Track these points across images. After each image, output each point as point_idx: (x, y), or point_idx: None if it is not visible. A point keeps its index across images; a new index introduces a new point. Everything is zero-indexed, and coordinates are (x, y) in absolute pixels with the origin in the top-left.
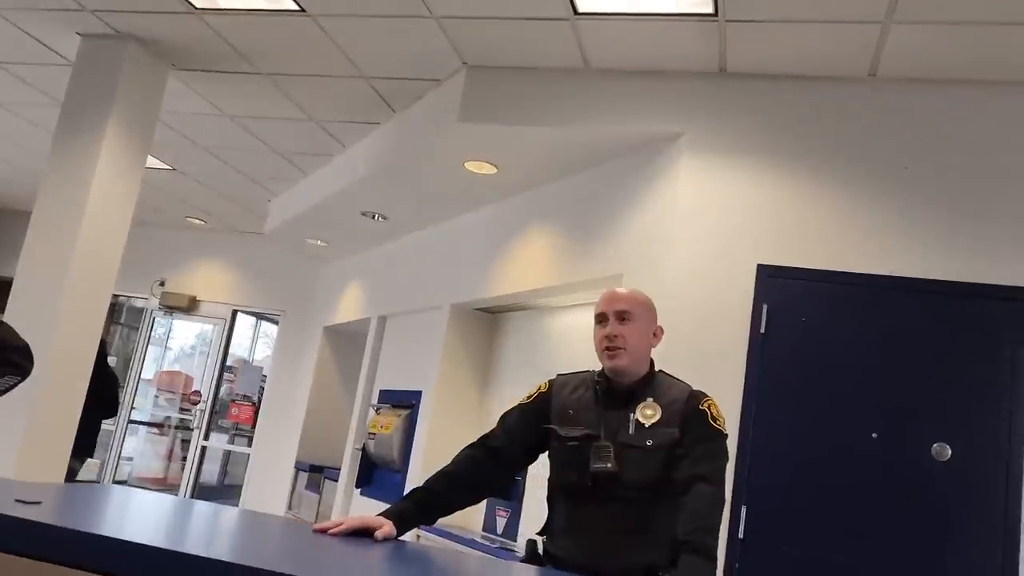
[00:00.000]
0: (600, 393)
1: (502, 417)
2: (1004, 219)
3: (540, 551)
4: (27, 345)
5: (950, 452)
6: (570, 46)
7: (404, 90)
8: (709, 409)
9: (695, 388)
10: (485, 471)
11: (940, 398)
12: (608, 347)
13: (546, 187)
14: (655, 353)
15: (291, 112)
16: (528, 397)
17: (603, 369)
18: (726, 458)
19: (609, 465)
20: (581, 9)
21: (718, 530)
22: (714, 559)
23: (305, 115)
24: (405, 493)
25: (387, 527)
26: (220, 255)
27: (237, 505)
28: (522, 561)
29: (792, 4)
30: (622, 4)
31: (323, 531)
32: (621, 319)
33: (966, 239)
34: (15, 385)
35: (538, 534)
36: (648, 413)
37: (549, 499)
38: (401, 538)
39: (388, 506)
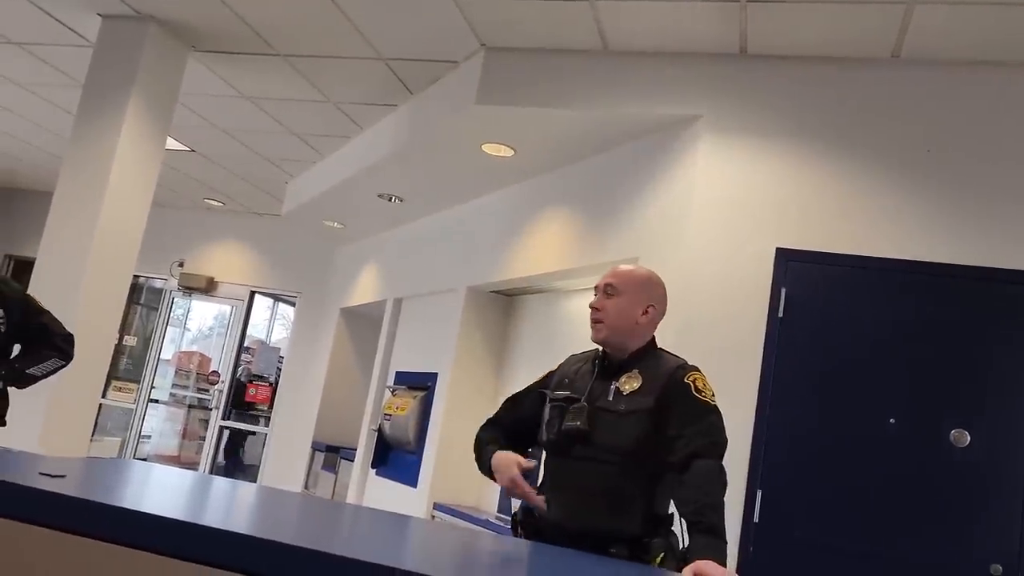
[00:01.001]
0: (596, 366)
1: (507, 399)
2: None
3: (519, 523)
4: (71, 334)
5: (969, 439)
6: (589, 27)
7: (422, 72)
8: (693, 383)
9: (688, 363)
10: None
11: (959, 384)
12: (591, 319)
13: (563, 170)
14: (669, 336)
15: (309, 94)
16: (539, 378)
17: None
18: (723, 432)
19: (579, 423)
20: None
21: (723, 506)
22: (724, 537)
23: (323, 96)
24: (486, 445)
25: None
26: (238, 236)
27: (255, 483)
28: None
29: None
30: None
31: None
32: (607, 293)
33: (989, 223)
34: (58, 369)
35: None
36: (630, 382)
37: (544, 461)
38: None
39: (403, 486)
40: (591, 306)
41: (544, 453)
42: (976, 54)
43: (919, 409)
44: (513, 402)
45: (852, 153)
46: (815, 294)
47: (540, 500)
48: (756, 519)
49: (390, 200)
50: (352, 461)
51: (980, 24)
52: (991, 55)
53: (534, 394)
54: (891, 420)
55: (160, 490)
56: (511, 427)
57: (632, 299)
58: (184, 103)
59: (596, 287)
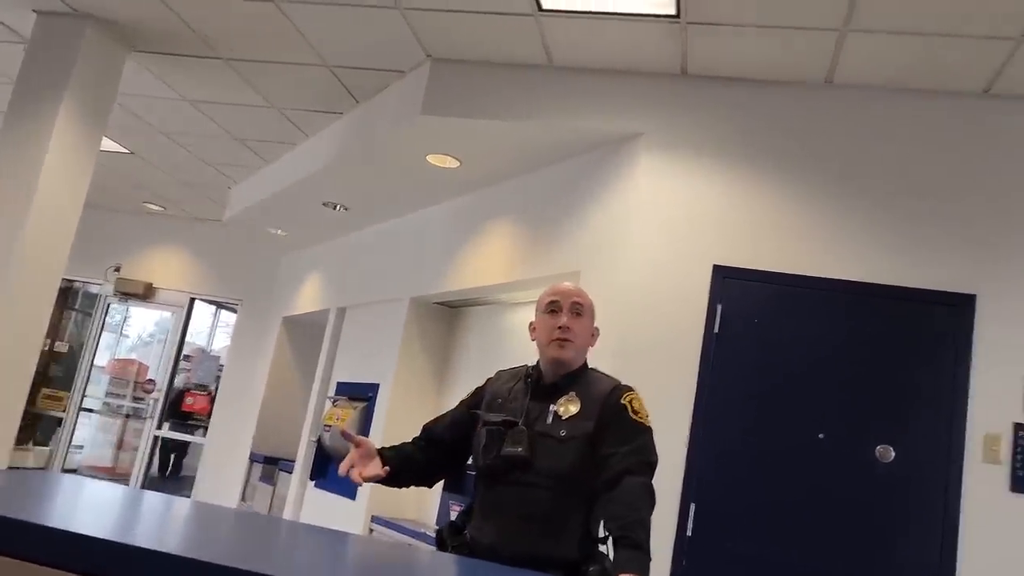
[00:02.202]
0: (530, 385)
1: (442, 414)
2: (952, 226)
3: (447, 539)
4: None
5: (893, 454)
6: (534, 42)
7: (368, 80)
8: (630, 404)
9: (623, 383)
10: (432, 458)
11: (885, 401)
12: (559, 338)
13: (507, 182)
14: (607, 350)
15: (253, 99)
16: (468, 395)
17: (538, 362)
18: (654, 452)
19: (520, 449)
20: (545, 6)
21: (649, 523)
22: (648, 552)
23: (267, 102)
24: (390, 446)
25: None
26: (178, 242)
27: (189, 496)
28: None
29: (752, 9)
30: (586, 2)
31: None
32: (576, 313)
33: (915, 245)
34: None
35: (456, 520)
36: (568, 407)
37: (475, 482)
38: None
39: (342, 499)
40: (563, 325)
41: (476, 478)
42: (904, 82)
43: (847, 425)
44: (448, 417)
45: (787, 174)
46: (750, 311)
47: (374, 467)
48: (689, 532)
49: (335, 208)
50: (291, 473)
51: (908, 53)
52: (919, 83)
53: (464, 412)
54: (820, 435)
55: (87, 506)
56: (440, 435)
57: (590, 321)
58: (123, 104)
59: (555, 302)
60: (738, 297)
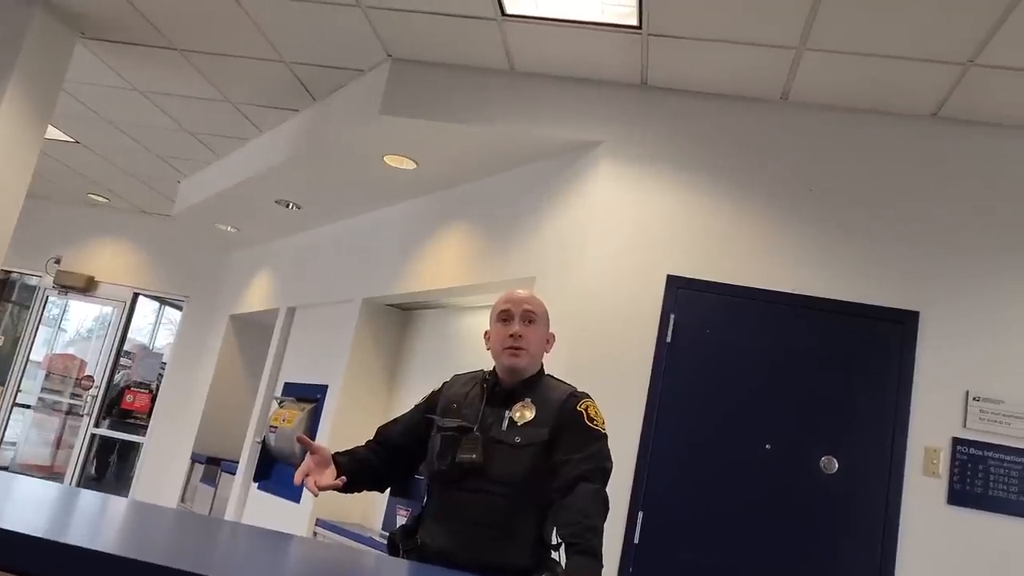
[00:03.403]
0: (486, 391)
1: (398, 417)
2: (899, 245)
3: (400, 543)
4: None
5: (837, 465)
6: (496, 47)
7: (326, 78)
8: (586, 411)
9: (579, 390)
10: (386, 461)
11: (831, 413)
12: (512, 347)
13: (464, 186)
14: (560, 357)
15: (206, 91)
16: (423, 399)
17: (494, 368)
18: (609, 459)
19: (474, 456)
20: (509, 11)
21: (602, 530)
22: (600, 559)
23: (221, 95)
24: (343, 450)
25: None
26: (123, 235)
27: (127, 496)
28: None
29: (713, 23)
30: (549, 9)
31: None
32: (528, 320)
33: (862, 262)
34: None
35: (406, 524)
36: (523, 413)
37: (428, 487)
38: (291, 532)
39: (286, 502)
40: (515, 333)
41: (429, 483)
42: (857, 101)
43: (793, 436)
44: (402, 421)
45: (741, 188)
46: (702, 322)
47: (329, 476)
48: (636, 540)
49: (288, 206)
50: (233, 474)
51: (861, 73)
52: (869, 104)
53: (419, 417)
54: (767, 446)
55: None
56: (395, 440)
57: (543, 328)
58: (70, 92)
59: (507, 311)
60: (691, 307)
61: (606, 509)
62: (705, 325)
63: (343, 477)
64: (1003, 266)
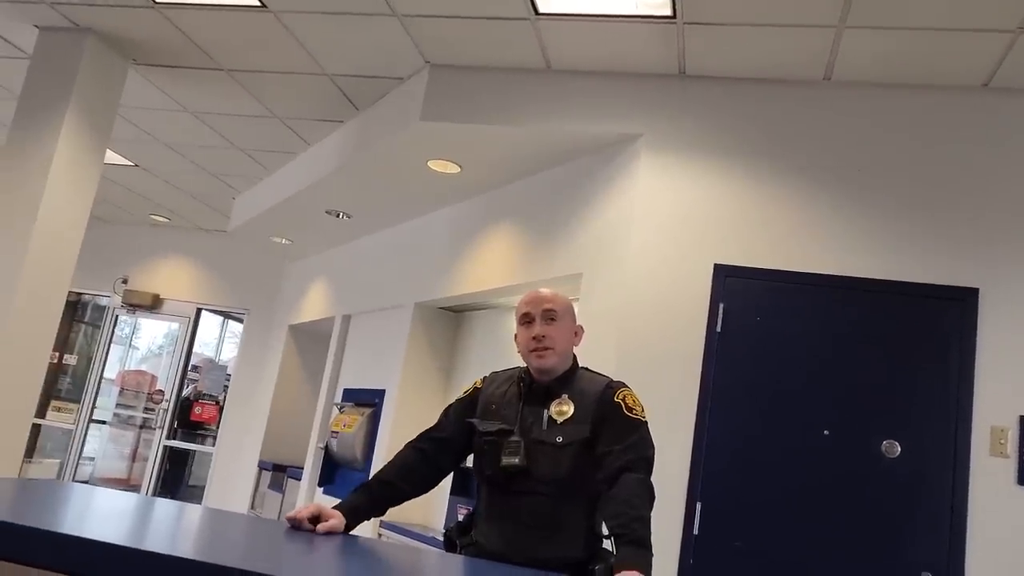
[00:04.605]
0: (523, 389)
1: (445, 410)
2: (953, 220)
3: (456, 540)
4: None
5: (899, 449)
6: (531, 46)
7: (367, 88)
8: (624, 400)
9: (615, 380)
10: (433, 460)
11: (890, 396)
12: (537, 348)
13: (508, 187)
14: (610, 351)
15: (254, 109)
16: (465, 392)
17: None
18: (651, 446)
19: (517, 460)
20: (542, 10)
21: (649, 519)
22: (650, 547)
23: (268, 112)
24: (357, 486)
25: (334, 520)
26: (184, 252)
27: (200, 504)
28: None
29: (748, 8)
30: (582, 5)
31: (292, 519)
32: (548, 319)
33: (917, 240)
34: None
35: (462, 522)
36: (562, 410)
37: (477, 487)
38: (356, 533)
39: (322, 504)
40: (537, 335)
41: (479, 483)
42: (903, 78)
43: (852, 421)
44: (451, 416)
45: (786, 172)
46: (752, 309)
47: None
48: (696, 531)
49: (338, 216)
50: (299, 480)
51: (906, 48)
52: (917, 79)
53: (465, 414)
54: (825, 432)
55: (97, 513)
56: (451, 441)
57: (568, 323)
58: (126, 117)
59: (527, 314)
60: (740, 295)
61: (652, 497)
62: (755, 312)
63: (346, 524)
64: None
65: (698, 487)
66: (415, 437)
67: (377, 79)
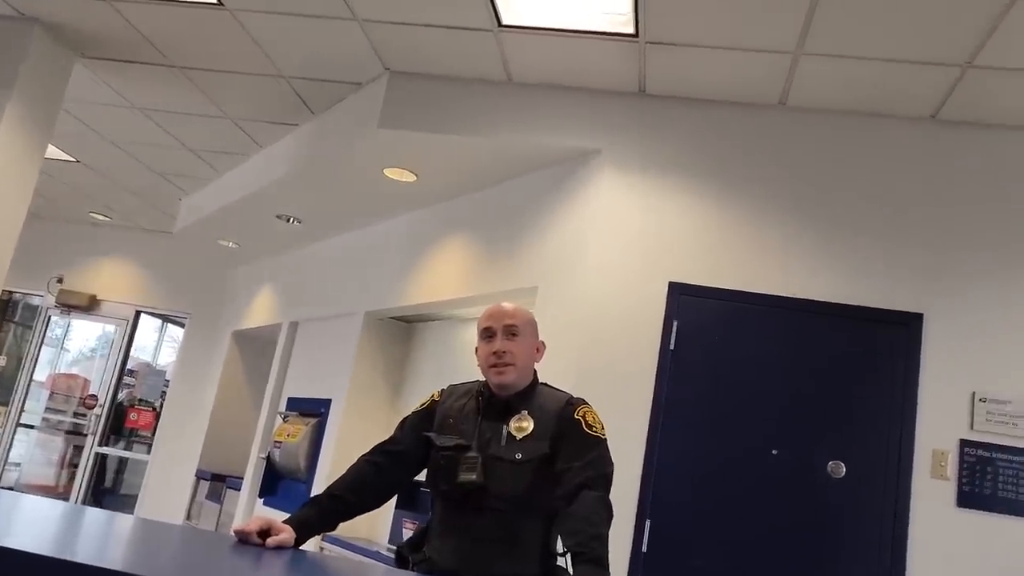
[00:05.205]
0: (481, 404)
1: (401, 422)
2: (901, 247)
3: (408, 556)
4: None
5: (844, 470)
6: (493, 58)
7: (324, 92)
8: (584, 417)
9: (575, 396)
10: (387, 474)
11: (837, 417)
12: (496, 364)
13: (465, 197)
14: (564, 365)
15: (205, 108)
16: (421, 405)
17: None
18: (610, 464)
19: (474, 477)
20: (505, 22)
21: (607, 538)
22: (607, 567)
23: (220, 112)
24: (307, 500)
25: (284, 535)
26: (125, 253)
27: (132, 514)
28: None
29: (709, 30)
30: (546, 19)
31: (240, 532)
32: (509, 335)
33: (865, 265)
34: None
35: (413, 537)
36: (522, 426)
37: (431, 502)
38: (302, 548)
39: (271, 517)
40: (498, 350)
41: (433, 498)
42: (854, 105)
43: (799, 441)
44: (407, 429)
45: (741, 193)
46: (705, 328)
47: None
48: (645, 548)
49: (288, 221)
50: (239, 490)
51: (859, 77)
52: (867, 107)
53: (421, 428)
54: (774, 451)
55: (17, 521)
56: (407, 454)
57: (529, 339)
58: (69, 111)
59: (489, 328)
60: (693, 314)
61: (610, 515)
62: (708, 331)
63: (296, 538)
64: (1007, 266)
65: (648, 505)
66: (369, 450)
67: (334, 83)
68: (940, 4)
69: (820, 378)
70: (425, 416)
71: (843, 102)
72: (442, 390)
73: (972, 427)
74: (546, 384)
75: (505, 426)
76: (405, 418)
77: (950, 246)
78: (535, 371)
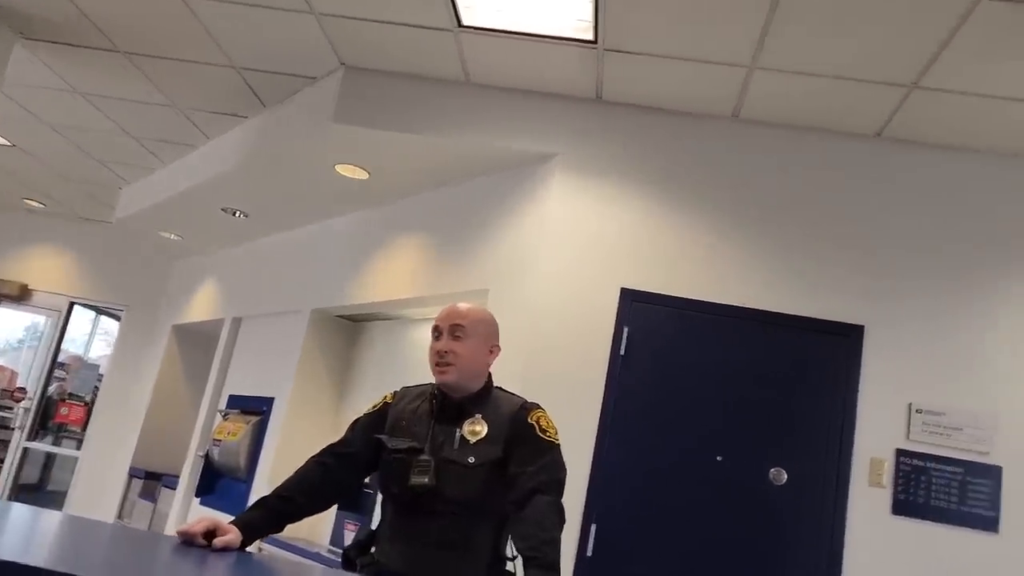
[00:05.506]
0: (435, 407)
1: (352, 424)
2: (845, 261)
3: (355, 559)
4: None
5: (786, 477)
6: (452, 58)
7: (277, 85)
8: (538, 422)
9: (529, 401)
10: (337, 476)
11: (779, 425)
12: (439, 362)
13: (418, 197)
14: (514, 369)
15: (152, 96)
16: (373, 407)
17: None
18: (563, 469)
19: (427, 480)
20: (465, 22)
21: (560, 542)
22: (559, 571)
23: (167, 100)
24: (254, 501)
25: (230, 536)
26: (60, 242)
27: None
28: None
29: (667, 40)
30: (506, 21)
31: (184, 533)
32: (455, 335)
33: (810, 277)
34: None
35: (360, 540)
36: (475, 429)
37: (381, 504)
38: (246, 552)
39: (229, 517)
40: (439, 349)
41: (383, 499)
42: (803, 120)
43: (744, 448)
44: (358, 430)
45: (693, 202)
46: (655, 334)
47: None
48: (590, 553)
49: (235, 215)
50: (174, 489)
51: (809, 93)
52: (816, 123)
53: (373, 430)
54: (719, 458)
55: None
56: (356, 456)
57: (480, 340)
58: (7, 94)
59: (436, 327)
60: (644, 320)
61: (562, 520)
62: (658, 338)
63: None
64: (944, 283)
65: (594, 509)
66: (319, 451)
67: (288, 76)
68: (890, 26)
69: (765, 386)
70: (377, 418)
71: (793, 117)
72: (395, 392)
73: (908, 437)
74: (501, 388)
75: (458, 429)
76: (356, 420)
77: (889, 261)
78: (490, 375)
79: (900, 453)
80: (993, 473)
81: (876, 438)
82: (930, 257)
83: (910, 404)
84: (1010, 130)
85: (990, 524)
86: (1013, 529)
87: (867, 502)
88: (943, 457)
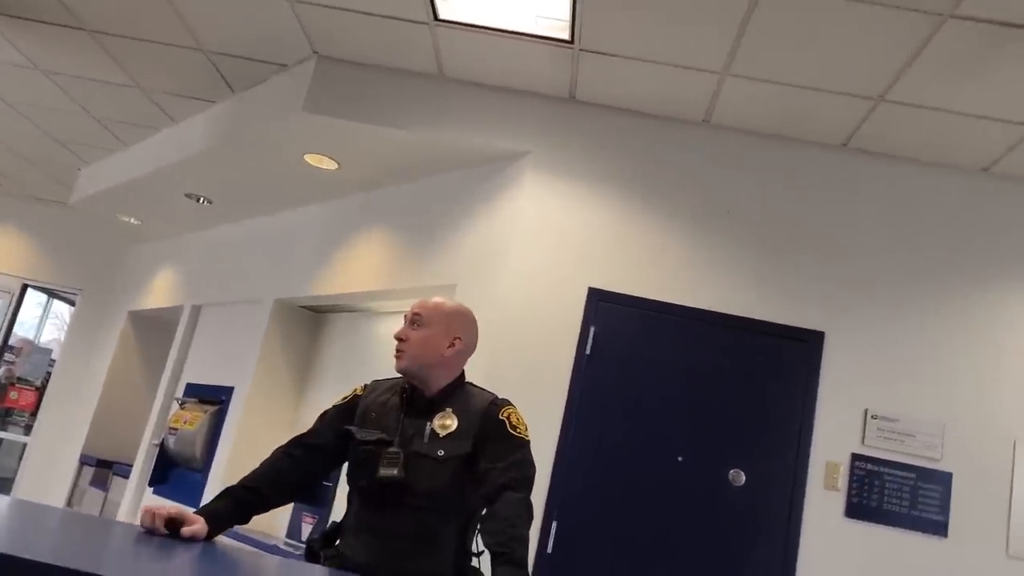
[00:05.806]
0: (405, 400)
1: (321, 415)
2: (806, 268)
3: (319, 551)
4: None
5: (744, 478)
6: (426, 51)
7: (247, 70)
8: (508, 418)
9: (500, 397)
10: (304, 468)
11: (739, 427)
12: (396, 350)
13: (387, 189)
14: (480, 365)
15: (115, 76)
16: (343, 399)
17: None
18: (532, 466)
19: (395, 472)
20: (442, 16)
21: (528, 539)
22: (527, 568)
23: (132, 81)
24: (220, 491)
25: (197, 526)
26: (13, 222)
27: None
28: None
29: (643, 43)
30: (483, 17)
31: (150, 515)
32: (413, 324)
33: (773, 282)
34: None
35: (325, 532)
36: (445, 423)
37: (348, 497)
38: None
39: (183, 507)
40: (395, 335)
41: (349, 492)
42: (772, 128)
43: (704, 449)
44: (326, 422)
45: (662, 205)
46: (620, 334)
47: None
48: (550, 550)
49: (198, 201)
50: (127, 478)
51: (779, 101)
52: (784, 131)
53: (342, 422)
54: (679, 458)
55: None
56: (325, 448)
57: (439, 331)
58: None
59: (405, 316)
60: (610, 320)
61: (530, 517)
62: (623, 338)
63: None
64: (903, 292)
65: (555, 507)
66: (286, 442)
67: (259, 63)
68: (859, 39)
69: (726, 389)
70: (346, 410)
71: (762, 124)
72: (365, 385)
73: (863, 442)
74: (472, 383)
75: (428, 423)
76: (325, 411)
77: (850, 270)
78: (463, 371)
79: (855, 457)
80: (943, 479)
81: (832, 442)
82: (891, 266)
83: (866, 410)
84: (972, 146)
85: (939, 528)
86: (961, 533)
87: (822, 504)
88: (896, 462)
